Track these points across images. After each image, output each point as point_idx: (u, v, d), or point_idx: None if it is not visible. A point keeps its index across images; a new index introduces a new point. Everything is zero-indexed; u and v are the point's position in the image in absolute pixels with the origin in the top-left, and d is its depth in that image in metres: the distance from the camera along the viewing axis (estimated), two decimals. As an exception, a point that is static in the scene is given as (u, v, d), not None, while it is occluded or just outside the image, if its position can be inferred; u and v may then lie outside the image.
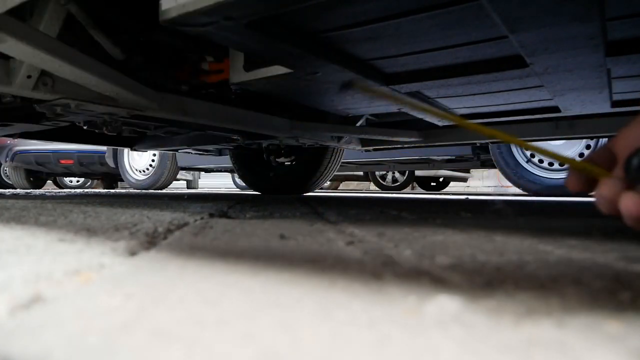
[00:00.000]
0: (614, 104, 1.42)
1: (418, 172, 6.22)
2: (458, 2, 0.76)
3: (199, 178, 7.98)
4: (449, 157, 4.18)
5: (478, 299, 0.31)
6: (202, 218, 0.90)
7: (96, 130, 1.67)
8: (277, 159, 2.66)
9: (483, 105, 1.53)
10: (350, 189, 8.90)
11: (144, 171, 4.74)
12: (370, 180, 7.14)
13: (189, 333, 0.25)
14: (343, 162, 4.22)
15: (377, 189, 7.21)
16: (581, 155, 2.89)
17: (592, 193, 0.49)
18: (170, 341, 0.23)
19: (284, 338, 0.24)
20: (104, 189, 6.50)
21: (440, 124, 1.80)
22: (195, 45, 1.40)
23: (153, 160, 4.68)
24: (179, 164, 4.76)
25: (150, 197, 2.15)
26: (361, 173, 6.53)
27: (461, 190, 7.67)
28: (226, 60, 1.37)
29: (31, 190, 5.05)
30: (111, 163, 5.04)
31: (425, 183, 7.16)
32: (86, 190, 5.73)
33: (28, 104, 1.33)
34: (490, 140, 1.98)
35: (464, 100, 1.45)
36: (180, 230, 0.70)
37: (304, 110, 1.71)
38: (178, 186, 8.29)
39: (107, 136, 2.17)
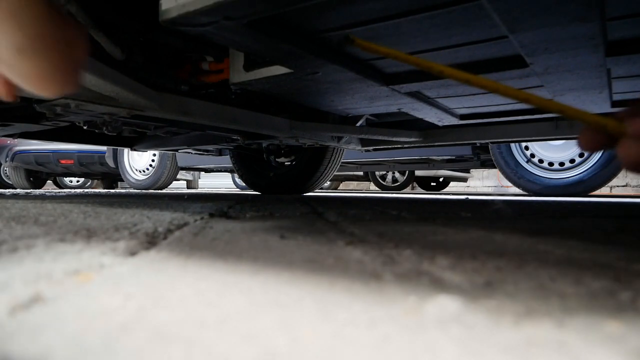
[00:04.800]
0: (614, 104, 1.42)
1: (418, 172, 6.22)
2: (458, 2, 0.76)
3: (199, 178, 7.98)
4: (449, 157, 4.18)
5: (478, 299, 0.31)
6: (202, 218, 0.90)
7: (96, 130, 1.67)
8: (277, 159, 2.66)
9: (483, 105, 1.53)
10: (350, 189, 8.90)
11: (144, 171, 4.75)
12: (370, 180, 7.14)
13: (189, 333, 0.25)
14: (343, 162, 4.22)
15: (377, 189, 7.21)
16: (581, 155, 2.89)
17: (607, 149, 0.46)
18: (170, 341, 0.23)
19: (284, 338, 0.24)
20: (104, 189, 6.50)
21: (440, 124, 1.80)
22: (195, 45, 1.40)
23: (153, 161, 4.68)
24: (179, 164, 4.77)
25: (150, 197, 2.15)
26: (361, 173, 6.53)
27: (461, 190, 7.67)
28: (226, 60, 1.37)
29: (31, 190, 5.05)
30: (111, 163, 5.04)
31: (425, 183, 7.16)
32: (86, 190, 5.73)
33: (28, 104, 1.33)
34: (490, 140, 1.98)
35: (464, 100, 1.45)
36: (180, 230, 0.70)
37: (304, 110, 1.71)
38: (178, 186, 8.29)
39: (107, 136, 2.17)
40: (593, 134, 0.47)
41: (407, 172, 6.27)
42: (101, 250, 0.50)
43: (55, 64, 0.41)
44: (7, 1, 0.37)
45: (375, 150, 2.28)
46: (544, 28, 0.83)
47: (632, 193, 6.22)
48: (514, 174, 3.09)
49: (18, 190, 4.61)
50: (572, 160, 2.94)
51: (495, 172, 7.80)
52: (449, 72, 0.48)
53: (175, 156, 4.60)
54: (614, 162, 2.74)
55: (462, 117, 1.71)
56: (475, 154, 3.90)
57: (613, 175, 2.83)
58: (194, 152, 2.82)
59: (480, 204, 1.73)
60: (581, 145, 0.48)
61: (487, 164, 4.26)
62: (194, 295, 0.32)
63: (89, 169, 5.66)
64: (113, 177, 6.28)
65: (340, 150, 2.63)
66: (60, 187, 7.23)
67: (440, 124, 1.80)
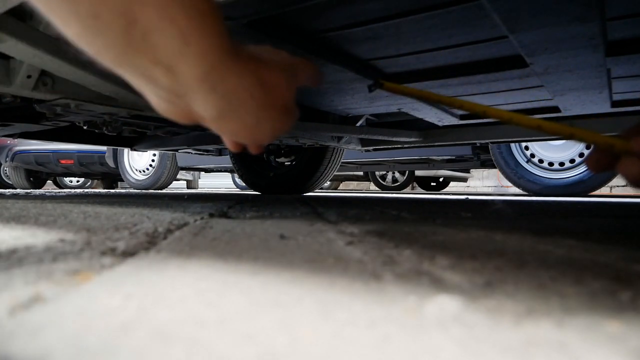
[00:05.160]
0: (614, 104, 1.42)
1: (418, 172, 6.22)
2: (458, 2, 0.76)
3: (199, 178, 7.98)
4: (449, 157, 4.18)
5: (478, 299, 0.31)
6: (202, 218, 0.90)
7: (96, 130, 1.67)
8: (277, 159, 2.66)
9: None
10: (350, 189, 8.90)
11: (144, 171, 4.75)
12: (370, 180, 7.14)
13: (189, 333, 0.25)
14: (343, 162, 4.22)
15: (377, 189, 7.21)
16: (581, 155, 2.89)
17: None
18: (170, 341, 0.23)
19: (284, 338, 0.24)
20: (104, 189, 6.50)
21: (440, 124, 1.80)
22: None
23: (153, 161, 4.68)
24: (179, 164, 4.76)
25: (150, 197, 2.15)
26: (361, 173, 6.53)
27: (461, 190, 7.67)
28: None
29: (31, 190, 5.05)
30: (111, 163, 5.04)
31: (425, 183, 7.16)
32: (86, 190, 5.73)
33: (28, 104, 1.33)
34: (490, 140, 1.98)
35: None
36: (180, 230, 0.70)
37: (304, 110, 1.71)
38: (178, 186, 8.29)
39: (107, 136, 2.17)
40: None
41: (407, 172, 6.27)
42: (101, 250, 0.50)
43: (258, 116, 0.39)
44: (199, 66, 0.35)
45: (375, 150, 2.28)
46: (544, 28, 0.83)
47: (632, 193, 6.22)
48: (514, 174, 3.09)
49: (18, 190, 4.61)
50: (572, 160, 2.94)
51: (495, 172, 7.79)
52: (468, 105, 0.50)
53: (175, 156, 4.60)
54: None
55: (462, 117, 1.71)
56: (475, 154, 3.89)
57: (613, 175, 2.83)
58: (194, 152, 2.82)
59: (480, 204, 1.73)
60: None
61: (487, 164, 4.26)
62: (194, 295, 0.32)
63: (89, 169, 5.66)
64: (113, 177, 6.27)
65: (340, 150, 2.63)
66: (60, 187, 7.23)
67: (440, 124, 1.80)
